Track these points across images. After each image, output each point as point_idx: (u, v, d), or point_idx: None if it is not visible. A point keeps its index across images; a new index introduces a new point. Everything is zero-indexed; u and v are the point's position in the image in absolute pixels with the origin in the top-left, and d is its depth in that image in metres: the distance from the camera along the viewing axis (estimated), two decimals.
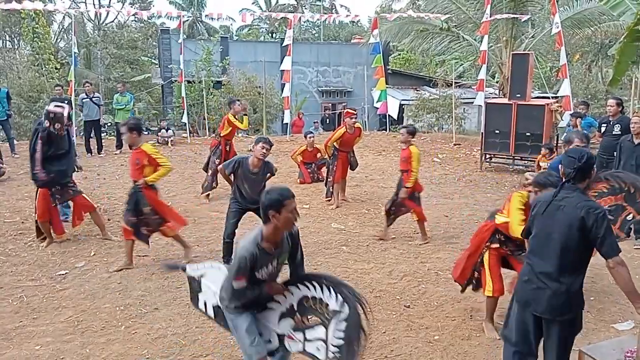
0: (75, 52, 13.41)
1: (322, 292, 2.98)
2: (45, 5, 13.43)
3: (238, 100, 9.35)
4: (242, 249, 2.94)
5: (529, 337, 3.06)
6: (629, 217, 4.49)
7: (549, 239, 2.96)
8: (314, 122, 19.74)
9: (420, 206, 6.66)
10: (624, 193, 4.48)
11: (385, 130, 16.07)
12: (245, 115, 9.30)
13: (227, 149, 8.69)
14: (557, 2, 11.69)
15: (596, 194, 4.56)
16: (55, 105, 6.31)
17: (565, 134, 9.20)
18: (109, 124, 18.35)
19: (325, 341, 2.94)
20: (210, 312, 3.42)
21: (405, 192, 6.43)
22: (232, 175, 5.65)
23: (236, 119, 8.61)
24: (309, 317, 3.09)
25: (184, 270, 3.61)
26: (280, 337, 3.14)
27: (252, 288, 3.01)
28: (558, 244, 2.90)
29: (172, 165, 6.11)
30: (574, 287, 2.91)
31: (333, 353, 2.88)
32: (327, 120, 21.15)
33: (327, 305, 2.95)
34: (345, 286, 2.98)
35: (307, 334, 3.04)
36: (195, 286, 3.51)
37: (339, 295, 2.91)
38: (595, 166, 3.05)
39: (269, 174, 5.70)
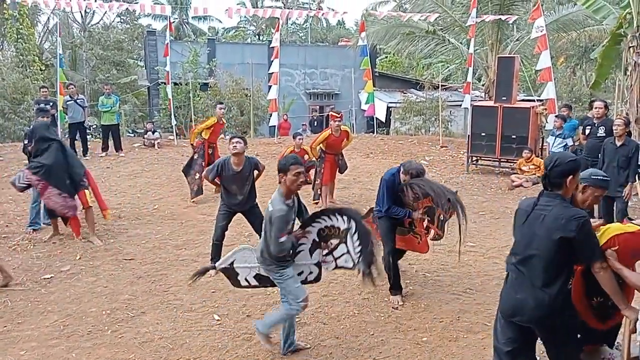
0: (60, 54, 13.28)
1: (332, 220, 3.96)
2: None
3: (221, 103, 9.59)
4: (277, 210, 3.66)
5: (516, 347, 3.02)
6: (442, 217, 4.80)
7: (530, 248, 2.90)
8: (302, 125, 19.71)
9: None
10: (430, 196, 4.71)
11: (373, 132, 16.13)
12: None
13: (210, 152, 8.70)
14: (542, 5, 11.82)
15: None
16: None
17: (549, 136, 9.33)
18: (94, 126, 18.17)
19: (348, 252, 3.97)
20: (254, 282, 4.20)
21: None
22: (217, 178, 5.62)
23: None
24: (330, 241, 4.03)
25: (215, 268, 4.27)
26: (318, 265, 4.14)
27: (289, 239, 3.76)
28: (539, 255, 2.85)
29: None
30: (557, 294, 2.85)
31: (358, 258, 3.86)
32: (315, 122, 21.17)
33: (339, 228, 3.95)
34: (346, 209, 4.04)
35: (335, 253, 4.06)
36: (232, 273, 4.17)
37: (344, 216, 3.92)
38: (576, 169, 2.95)
39: (255, 171, 5.65)
